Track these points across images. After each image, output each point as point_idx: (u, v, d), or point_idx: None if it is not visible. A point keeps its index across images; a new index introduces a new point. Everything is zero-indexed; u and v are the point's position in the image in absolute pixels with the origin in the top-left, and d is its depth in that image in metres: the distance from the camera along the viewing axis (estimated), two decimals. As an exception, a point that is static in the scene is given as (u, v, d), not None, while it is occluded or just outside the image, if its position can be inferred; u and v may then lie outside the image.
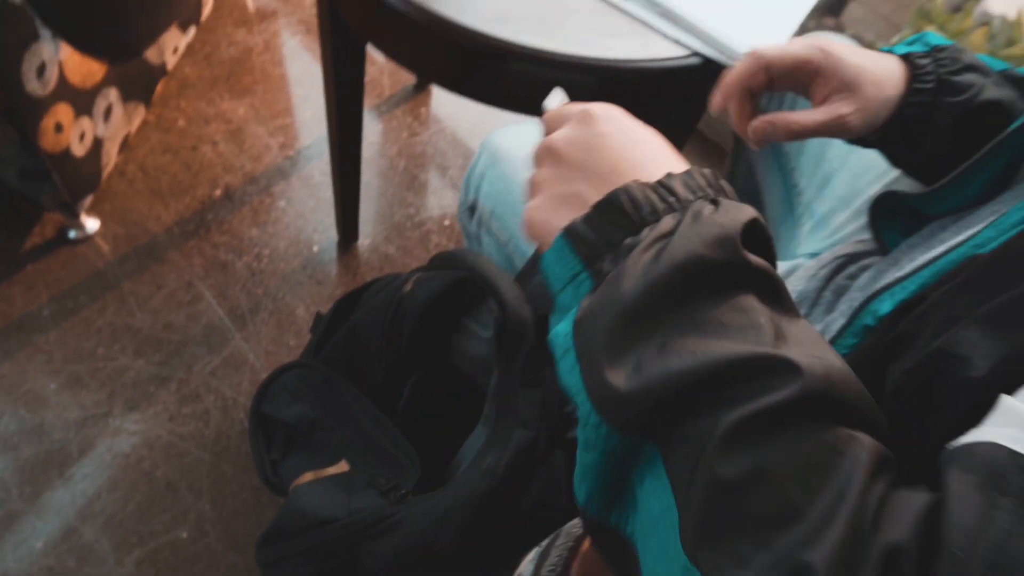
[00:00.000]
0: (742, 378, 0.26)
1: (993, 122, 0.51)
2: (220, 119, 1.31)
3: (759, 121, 0.51)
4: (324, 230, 1.21)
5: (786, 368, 0.26)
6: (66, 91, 0.92)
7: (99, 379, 1.04)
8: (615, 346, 0.28)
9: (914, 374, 0.33)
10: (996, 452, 0.25)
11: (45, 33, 0.85)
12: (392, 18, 0.67)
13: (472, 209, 0.64)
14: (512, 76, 0.68)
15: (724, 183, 0.34)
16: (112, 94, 1.04)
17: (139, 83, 1.12)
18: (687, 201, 0.31)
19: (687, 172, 0.33)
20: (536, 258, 0.56)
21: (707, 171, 0.34)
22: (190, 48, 1.37)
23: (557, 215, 0.34)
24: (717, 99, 0.52)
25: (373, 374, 0.66)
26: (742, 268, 0.29)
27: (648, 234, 0.30)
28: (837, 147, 0.73)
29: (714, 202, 0.31)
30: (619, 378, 0.28)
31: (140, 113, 1.18)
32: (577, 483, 0.31)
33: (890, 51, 0.53)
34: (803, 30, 0.65)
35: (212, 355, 1.08)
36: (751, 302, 0.29)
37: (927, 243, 0.51)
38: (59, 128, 0.93)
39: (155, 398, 1.04)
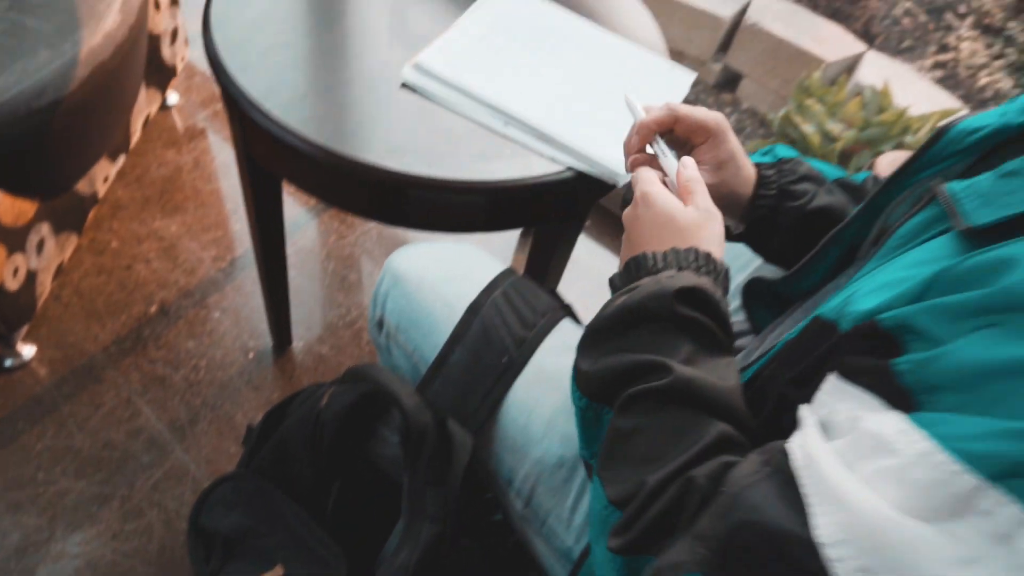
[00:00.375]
0: (639, 372, 0.43)
1: (823, 225, 0.61)
2: (153, 237, 1.37)
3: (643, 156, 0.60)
4: (259, 336, 1.27)
5: (663, 369, 0.42)
6: (-1, 232, 0.97)
7: (40, 504, 1.06)
8: (587, 347, 0.47)
9: (764, 431, 0.44)
10: (782, 445, 0.37)
11: (-23, 182, 0.91)
12: (297, 157, 0.75)
13: (380, 324, 0.71)
14: (410, 202, 0.77)
15: (717, 262, 0.48)
16: (44, 228, 1.09)
17: (70, 215, 1.18)
18: (665, 268, 0.47)
19: (686, 250, 0.48)
20: (434, 366, 0.63)
21: (703, 252, 0.48)
22: (121, 172, 1.43)
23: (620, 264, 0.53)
24: (635, 141, 0.60)
25: (302, 479, 0.72)
26: (673, 316, 0.44)
27: (629, 286, 0.47)
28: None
29: (680, 271, 0.46)
30: (584, 364, 0.46)
31: (72, 242, 1.24)
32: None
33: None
34: (704, 105, 0.74)
35: (153, 469, 1.11)
36: (679, 338, 0.44)
37: (785, 323, 0.61)
38: (-7, 267, 0.98)
39: (98, 517, 1.06)
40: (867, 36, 2.36)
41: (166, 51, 1.39)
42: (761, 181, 0.62)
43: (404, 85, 0.81)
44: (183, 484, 1.10)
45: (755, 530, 0.33)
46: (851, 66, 2.20)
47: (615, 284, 0.50)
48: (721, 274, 0.48)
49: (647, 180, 0.53)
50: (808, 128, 1.90)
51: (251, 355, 1.25)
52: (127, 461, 1.11)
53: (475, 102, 0.80)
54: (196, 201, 1.44)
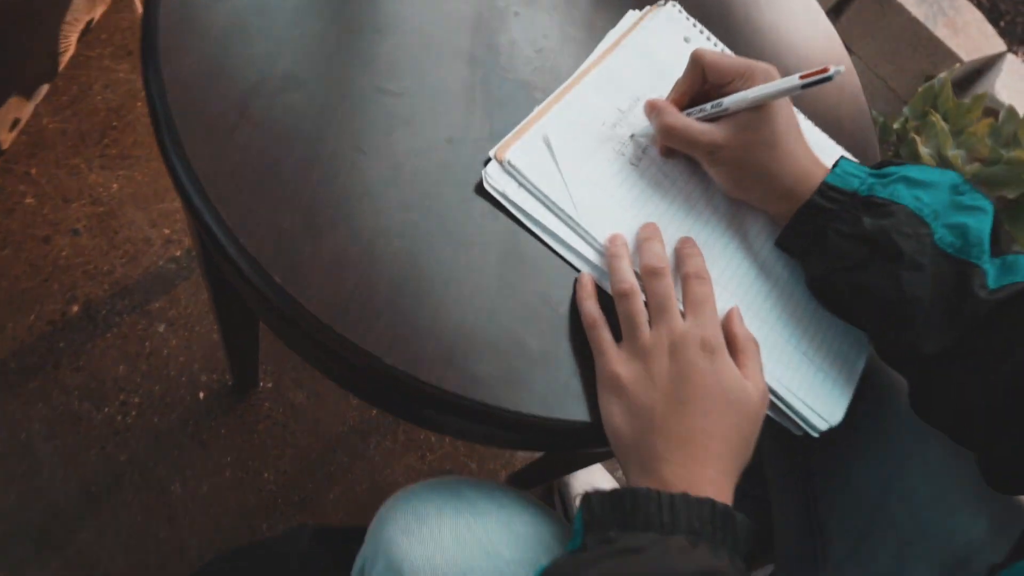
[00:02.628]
0: None
1: (869, 310, 0.47)
2: (86, 196, 1.01)
3: (650, 99, 0.51)
4: (215, 369, 0.96)
5: None
6: None
7: None
8: None
9: None
10: None
11: None
12: (270, 308, 0.43)
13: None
14: (425, 416, 0.46)
15: (739, 525, 0.37)
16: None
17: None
18: (676, 528, 0.36)
19: (699, 502, 0.37)
20: None
21: (721, 507, 0.37)
22: (49, 91, 1.05)
23: (617, 435, 0.42)
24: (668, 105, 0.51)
25: None
26: None
27: (623, 540, 0.36)
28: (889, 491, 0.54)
29: (694, 542, 0.36)
30: None
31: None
32: None
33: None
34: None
35: (48, 556, 0.83)
36: None
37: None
38: None
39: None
40: (1011, 32, 1.94)
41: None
42: (805, 209, 0.47)
43: (482, 188, 0.48)
44: (89, 580, 0.83)
45: None
46: (982, 68, 1.81)
47: (593, 505, 0.38)
48: (741, 539, 0.38)
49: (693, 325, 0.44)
50: (924, 150, 1.54)
51: (202, 395, 0.94)
52: (8, 547, 0.83)
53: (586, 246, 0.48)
54: (152, 149, 1.07)
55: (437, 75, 0.51)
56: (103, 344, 0.93)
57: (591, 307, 0.46)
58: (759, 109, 0.47)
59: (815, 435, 0.48)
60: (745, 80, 0.48)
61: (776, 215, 0.51)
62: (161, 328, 0.96)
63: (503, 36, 0.54)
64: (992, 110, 1.66)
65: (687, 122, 0.49)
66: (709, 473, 0.41)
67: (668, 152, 0.52)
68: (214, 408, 0.94)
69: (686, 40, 0.58)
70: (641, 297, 0.45)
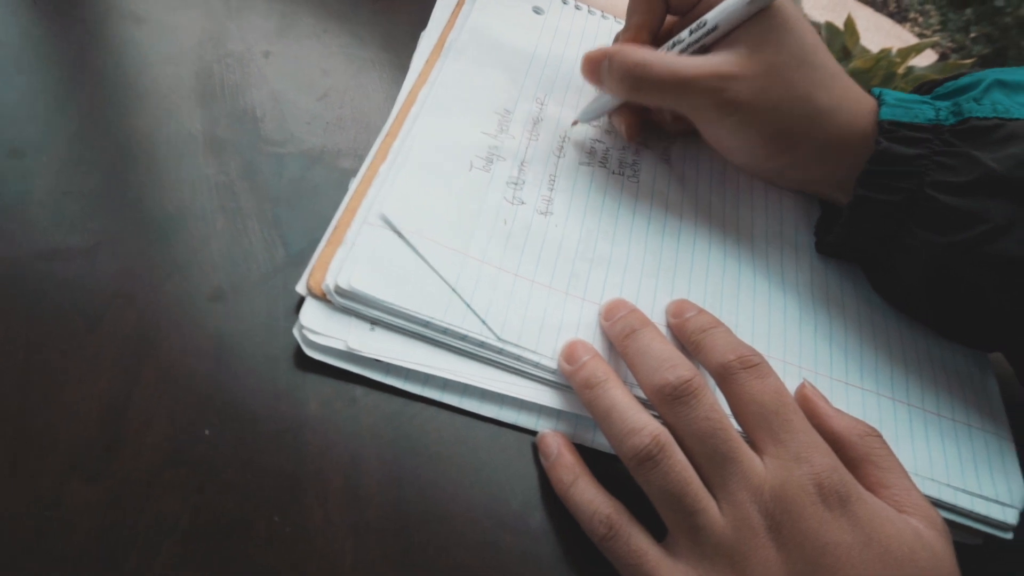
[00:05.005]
0: None
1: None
2: None
3: (589, 51, 0.31)
4: None
5: None
6: None
7: None
8: None
9: None
10: None
11: None
12: None
13: None
14: None
15: None
16: None
17: None
18: None
19: None
20: None
21: None
22: None
23: None
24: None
25: None
26: None
27: None
28: None
29: None
30: None
31: None
32: None
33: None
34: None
35: None
36: None
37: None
38: None
39: None
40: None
41: None
42: (887, 153, 0.28)
43: (307, 359, 0.25)
44: None
45: None
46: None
47: None
48: None
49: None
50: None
51: None
52: None
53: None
54: None
55: (156, 196, 0.28)
56: None
57: (590, 497, 0.24)
58: (766, 15, 0.28)
59: (1007, 536, 0.28)
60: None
61: (820, 183, 0.32)
62: None
63: (256, 93, 0.32)
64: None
65: (669, 57, 0.30)
66: None
67: (635, 129, 0.33)
68: None
69: (536, 11, 0.38)
70: (679, 451, 0.23)
